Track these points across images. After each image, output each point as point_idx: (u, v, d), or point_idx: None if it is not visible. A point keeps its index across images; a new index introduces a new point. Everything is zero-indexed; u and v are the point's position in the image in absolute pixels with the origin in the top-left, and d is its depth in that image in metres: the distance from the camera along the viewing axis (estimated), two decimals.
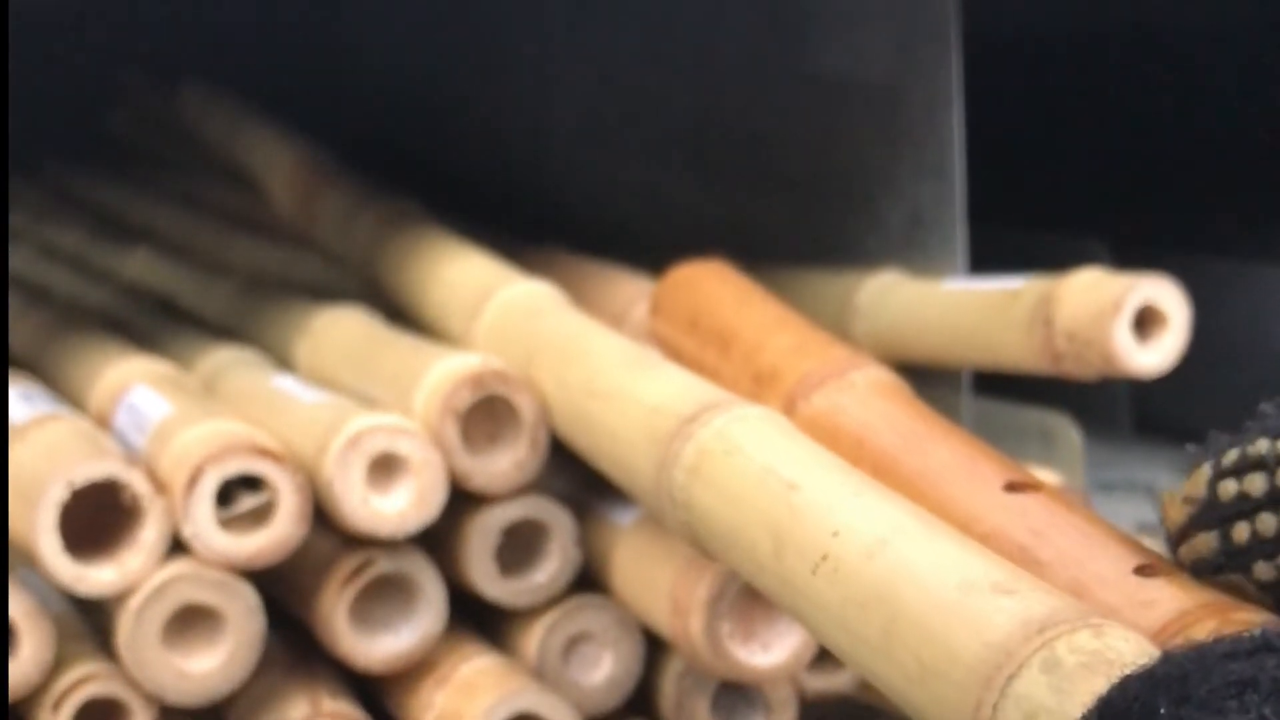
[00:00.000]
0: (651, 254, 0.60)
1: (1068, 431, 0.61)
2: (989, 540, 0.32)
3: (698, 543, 0.39)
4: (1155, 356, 0.51)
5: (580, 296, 0.54)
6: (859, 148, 0.60)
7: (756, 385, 0.45)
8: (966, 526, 0.33)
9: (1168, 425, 0.71)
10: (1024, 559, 0.32)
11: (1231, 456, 0.30)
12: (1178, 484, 0.31)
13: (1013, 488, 0.35)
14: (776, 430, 0.38)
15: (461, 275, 0.54)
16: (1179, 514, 0.30)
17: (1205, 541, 0.30)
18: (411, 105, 0.83)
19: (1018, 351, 0.52)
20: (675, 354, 0.49)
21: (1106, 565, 0.31)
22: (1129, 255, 0.64)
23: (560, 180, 0.74)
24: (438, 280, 0.55)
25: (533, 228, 0.66)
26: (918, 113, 0.57)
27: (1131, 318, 0.50)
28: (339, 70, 0.88)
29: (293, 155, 0.69)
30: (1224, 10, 0.99)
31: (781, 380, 0.44)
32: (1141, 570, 0.31)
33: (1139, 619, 0.30)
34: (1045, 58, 0.94)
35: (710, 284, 0.51)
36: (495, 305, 0.51)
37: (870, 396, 0.43)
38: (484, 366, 0.47)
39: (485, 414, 0.47)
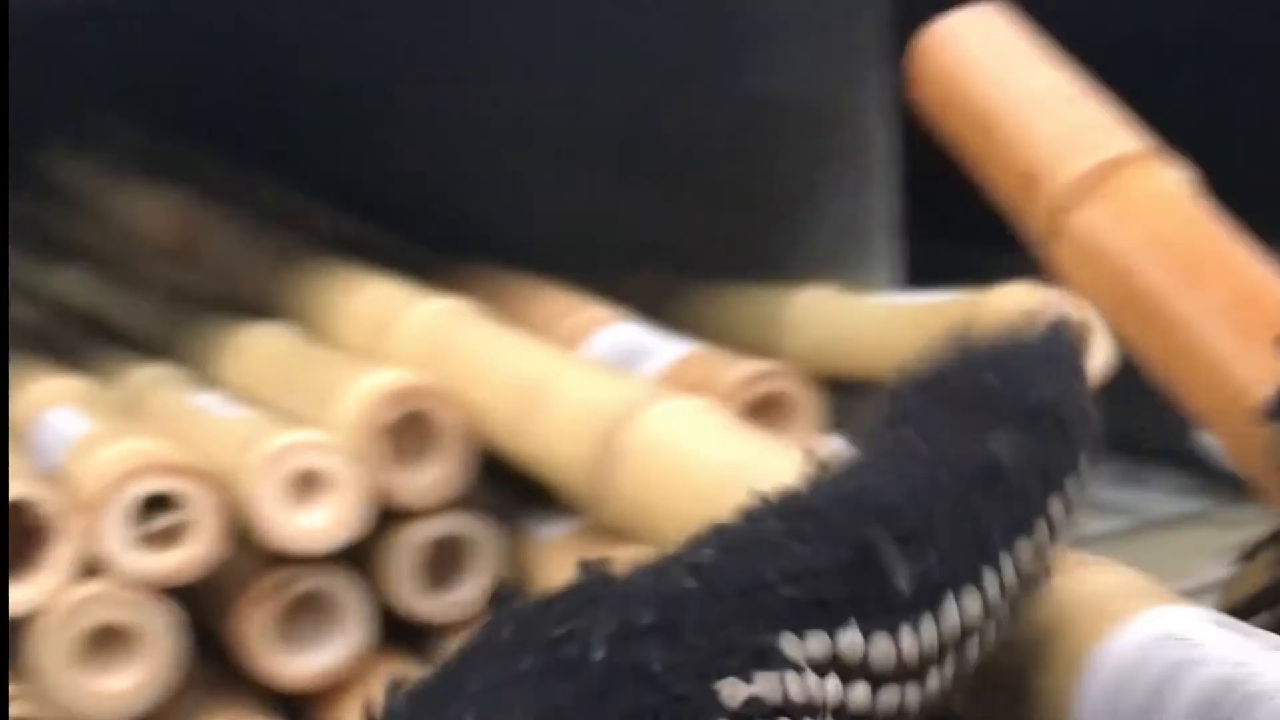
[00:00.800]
0: (582, 267, 0.60)
1: None
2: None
3: (641, 541, 0.38)
4: None
5: (505, 310, 0.54)
6: (791, 160, 0.60)
7: (1020, 190, 0.36)
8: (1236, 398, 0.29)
9: (1106, 437, 0.71)
10: None
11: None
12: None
13: None
14: (709, 423, 0.38)
15: (365, 304, 0.54)
16: None
17: None
18: (335, 116, 0.83)
19: None
20: (940, 123, 0.40)
21: None
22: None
23: (489, 192, 0.74)
24: (342, 313, 0.54)
25: (459, 241, 0.66)
26: (849, 125, 0.57)
27: None
28: (257, 77, 0.87)
29: (169, 202, 0.68)
30: (1158, 21, 1.00)
31: (1040, 185, 0.35)
32: None
33: None
34: None
35: (970, 42, 0.39)
36: (403, 327, 0.51)
37: (1143, 210, 0.34)
38: (407, 381, 0.47)
39: (410, 429, 0.47)
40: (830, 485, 0.24)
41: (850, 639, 0.22)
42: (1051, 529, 0.24)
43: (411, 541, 0.47)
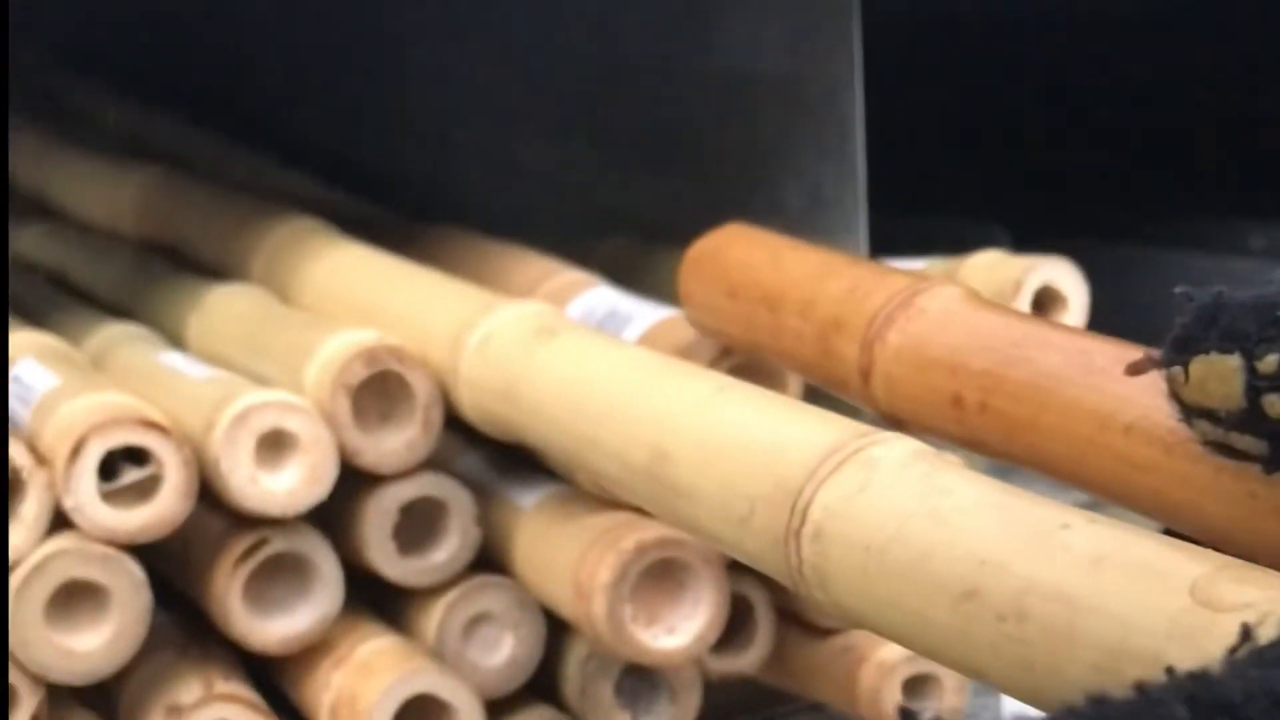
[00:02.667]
0: (553, 233, 0.60)
1: None
2: (1135, 429, 0.30)
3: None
4: None
5: (484, 276, 0.54)
6: (763, 129, 0.60)
7: (823, 341, 0.41)
8: (1110, 419, 0.31)
9: None
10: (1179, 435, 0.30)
11: (1271, 365, 0.26)
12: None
13: (1134, 370, 0.30)
14: (919, 457, 0.32)
15: (444, 309, 0.49)
16: (1196, 399, 0.28)
17: (1249, 444, 0.28)
18: (310, 88, 0.82)
19: None
20: (719, 329, 0.46)
21: None
22: (1029, 241, 0.65)
23: (462, 159, 0.74)
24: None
25: (431, 206, 0.66)
26: (818, 96, 0.57)
27: (1030, 298, 0.50)
28: (239, 53, 0.86)
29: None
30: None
31: (849, 328, 0.40)
32: None
33: None
34: (951, 42, 0.95)
35: (737, 250, 0.47)
36: (477, 338, 0.46)
37: (947, 318, 0.38)
38: (378, 341, 0.46)
39: (379, 393, 0.46)
40: (1258, 675, 0.21)
41: None
42: None
43: (383, 504, 0.47)
